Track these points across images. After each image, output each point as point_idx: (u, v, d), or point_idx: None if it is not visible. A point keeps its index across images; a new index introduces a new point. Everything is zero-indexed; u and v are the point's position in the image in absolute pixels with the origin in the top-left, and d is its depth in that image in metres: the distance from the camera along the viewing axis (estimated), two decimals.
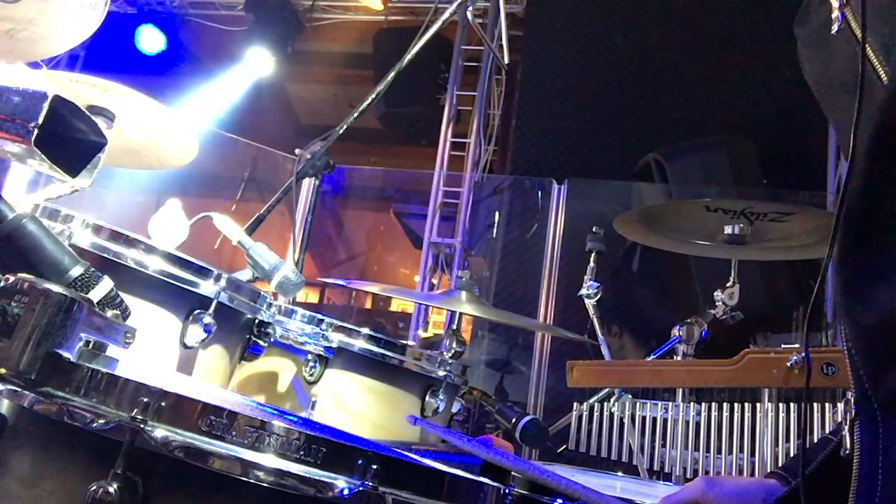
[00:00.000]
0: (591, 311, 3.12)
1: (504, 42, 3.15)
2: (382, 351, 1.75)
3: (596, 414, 3.10)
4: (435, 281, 5.56)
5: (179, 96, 6.28)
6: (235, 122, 6.78)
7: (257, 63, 6.51)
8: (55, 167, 0.87)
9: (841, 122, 0.89)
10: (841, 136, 0.92)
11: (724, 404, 2.74)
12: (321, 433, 0.70)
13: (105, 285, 0.91)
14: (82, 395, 0.68)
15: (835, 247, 0.76)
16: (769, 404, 2.54)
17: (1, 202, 0.89)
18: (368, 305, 7.94)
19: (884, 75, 0.76)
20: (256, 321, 1.60)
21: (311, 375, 1.73)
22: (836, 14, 0.82)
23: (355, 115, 2.31)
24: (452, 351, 2.00)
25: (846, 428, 0.84)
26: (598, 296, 3.09)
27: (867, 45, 0.77)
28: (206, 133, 6.05)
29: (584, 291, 3.09)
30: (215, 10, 7.04)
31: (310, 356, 1.73)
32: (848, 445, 0.83)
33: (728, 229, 2.61)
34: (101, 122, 1.59)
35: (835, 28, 0.82)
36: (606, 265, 3.75)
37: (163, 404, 0.65)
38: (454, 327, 2.10)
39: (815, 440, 1.03)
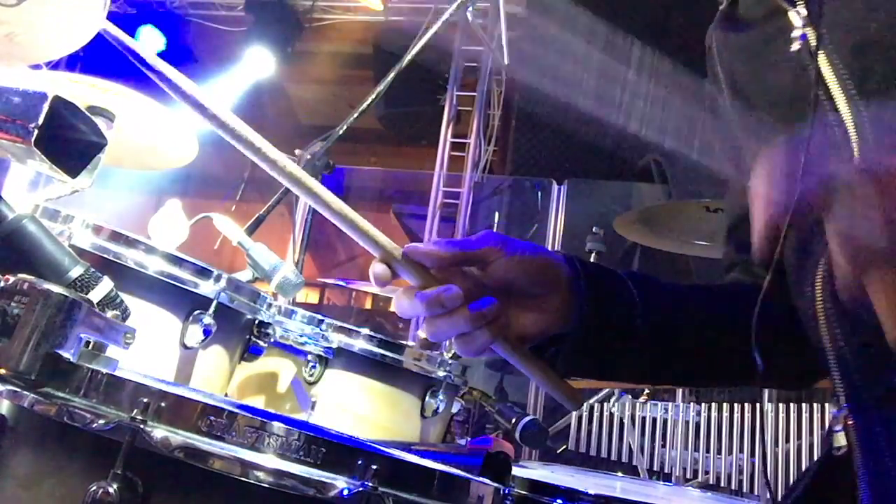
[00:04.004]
0: None
1: (504, 42, 3.15)
2: (382, 351, 1.75)
3: (596, 414, 3.10)
4: None
5: None
6: None
7: (257, 63, 6.51)
8: (55, 167, 0.87)
9: (769, 136, 0.86)
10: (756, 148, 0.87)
11: (724, 404, 2.74)
12: (320, 433, 0.70)
13: (105, 286, 0.91)
14: (82, 396, 0.68)
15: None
16: (769, 404, 2.54)
17: (1, 202, 0.89)
18: (368, 305, 7.93)
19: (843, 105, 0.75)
20: (256, 321, 1.60)
21: (311, 376, 1.73)
22: (797, 33, 0.80)
23: (355, 115, 2.31)
24: (452, 351, 2.00)
25: (839, 427, 0.84)
26: None
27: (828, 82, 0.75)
28: (206, 133, 6.03)
29: None
30: (215, 10, 7.04)
31: (310, 357, 1.73)
32: (843, 443, 0.82)
33: None
34: (101, 122, 1.59)
35: (796, 46, 0.80)
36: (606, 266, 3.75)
37: (162, 405, 0.65)
38: None
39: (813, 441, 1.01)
